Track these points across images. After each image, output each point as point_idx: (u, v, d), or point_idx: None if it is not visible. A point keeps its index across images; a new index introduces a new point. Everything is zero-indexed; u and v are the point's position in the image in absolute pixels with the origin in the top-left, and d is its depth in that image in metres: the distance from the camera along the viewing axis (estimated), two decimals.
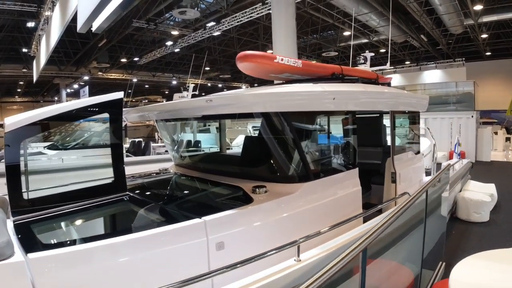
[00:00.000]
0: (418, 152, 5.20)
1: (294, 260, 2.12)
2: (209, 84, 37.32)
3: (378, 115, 5.59)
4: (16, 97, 41.06)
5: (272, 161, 3.15)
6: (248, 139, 3.68)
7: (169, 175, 3.98)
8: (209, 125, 11.55)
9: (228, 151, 5.53)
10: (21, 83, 32.84)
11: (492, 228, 6.28)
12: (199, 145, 5.15)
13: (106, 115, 2.81)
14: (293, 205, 2.78)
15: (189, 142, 4.38)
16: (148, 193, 3.34)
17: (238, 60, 2.96)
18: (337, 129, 3.61)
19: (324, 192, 3.05)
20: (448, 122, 15.63)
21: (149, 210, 2.69)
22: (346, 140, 3.70)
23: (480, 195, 6.68)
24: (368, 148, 5.89)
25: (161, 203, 2.87)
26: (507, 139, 20.92)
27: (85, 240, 2.11)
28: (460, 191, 7.01)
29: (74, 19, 9.94)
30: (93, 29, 9.16)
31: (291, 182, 2.93)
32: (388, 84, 4.83)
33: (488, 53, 30.25)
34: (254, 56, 2.93)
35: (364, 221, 3.10)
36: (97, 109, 2.78)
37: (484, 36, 23.90)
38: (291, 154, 3.00)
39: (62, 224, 2.58)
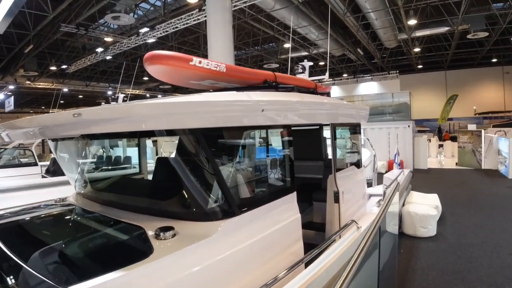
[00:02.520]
0: (360, 165, 4.88)
1: None
2: (147, 95, 35.88)
3: (317, 127, 5.25)
4: None
5: (183, 193, 2.42)
6: (160, 162, 2.79)
7: (60, 209, 3.07)
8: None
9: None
10: None
11: (441, 243, 6.11)
12: (124, 163, 4.37)
13: None
14: (210, 253, 2.07)
15: (100, 162, 3.60)
16: (16, 239, 2.45)
17: (145, 62, 2.35)
18: (270, 147, 3.06)
19: (253, 229, 2.40)
20: (386, 132, 16.07)
21: (2, 271, 1.93)
22: (281, 160, 3.09)
23: (426, 208, 6.54)
24: (308, 162, 5.52)
25: (23, 260, 1.97)
26: (440, 145, 22.12)
27: None
28: (403, 204, 6.86)
29: None
30: None
31: (208, 219, 2.23)
32: (328, 94, 4.45)
33: (420, 66, 32.30)
34: (165, 57, 2.30)
35: (306, 265, 2.54)
36: None
37: (417, 50, 25.31)
38: (207, 182, 2.33)
39: None
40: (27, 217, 2.90)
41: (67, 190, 3.57)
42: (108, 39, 19.98)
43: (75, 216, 2.82)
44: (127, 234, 2.28)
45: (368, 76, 30.19)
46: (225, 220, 2.22)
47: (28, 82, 27.75)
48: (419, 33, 20.24)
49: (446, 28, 19.31)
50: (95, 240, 2.31)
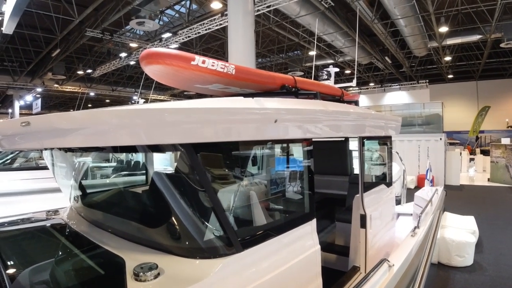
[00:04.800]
0: (390, 184, 4.37)
1: None
2: (172, 101, 36.05)
3: (343, 138, 4.80)
4: None
5: (172, 221, 1.95)
6: (154, 179, 2.14)
7: (45, 225, 2.71)
8: None
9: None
10: None
11: (478, 274, 5.44)
12: (126, 172, 4.00)
13: None
14: None
15: (97, 171, 3.25)
16: None
17: (141, 61, 1.97)
18: (283, 163, 2.57)
19: (260, 269, 1.90)
20: (416, 145, 15.23)
21: None
22: (298, 180, 2.57)
23: (462, 233, 5.90)
24: (331, 177, 5.08)
25: None
26: (471, 159, 21.07)
27: None
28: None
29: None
30: (3, 29, 8.17)
31: (201, 257, 1.77)
32: (356, 103, 3.97)
33: (450, 76, 31.14)
34: (162, 55, 1.91)
35: None
36: None
37: (448, 58, 24.34)
38: (202, 210, 1.86)
39: None
40: (10, 230, 2.59)
41: None
42: (133, 44, 20.15)
43: (57, 237, 2.46)
44: (103, 267, 1.88)
45: (396, 85, 29.28)
46: (224, 258, 1.75)
47: (56, 85, 28.37)
48: (450, 41, 19.35)
49: (478, 36, 18.41)
50: (62, 272, 1.90)
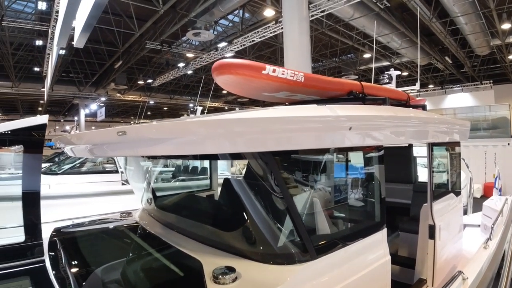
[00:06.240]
0: (459, 192, 4.12)
1: None
2: (226, 108, 36.88)
3: (406, 144, 4.61)
4: (38, 116, 42.01)
5: (248, 225, 2.00)
6: (226, 185, 2.26)
7: (120, 226, 2.87)
8: None
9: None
10: (42, 102, 33.13)
11: None
12: (195, 176, 4.14)
13: None
14: None
15: (167, 175, 3.41)
16: (64, 263, 2.20)
17: (213, 72, 2.06)
18: (356, 170, 2.52)
19: (332, 277, 1.89)
20: (482, 151, 14.23)
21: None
22: (369, 189, 2.51)
23: None
24: (394, 184, 4.89)
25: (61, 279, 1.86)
26: None
27: None
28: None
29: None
30: (74, 43, 8.82)
31: (277, 263, 1.78)
32: (423, 108, 3.80)
33: None
34: (234, 65, 1.98)
35: None
36: (11, 137, 1.97)
37: None
38: (278, 216, 1.89)
39: None
40: (89, 230, 2.81)
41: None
42: (190, 54, 20.93)
43: (133, 237, 2.61)
44: (181, 268, 1.97)
45: (458, 86, 27.54)
46: (299, 265, 1.76)
47: (118, 95, 30.21)
48: None
49: None
50: (142, 271, 2.03)
